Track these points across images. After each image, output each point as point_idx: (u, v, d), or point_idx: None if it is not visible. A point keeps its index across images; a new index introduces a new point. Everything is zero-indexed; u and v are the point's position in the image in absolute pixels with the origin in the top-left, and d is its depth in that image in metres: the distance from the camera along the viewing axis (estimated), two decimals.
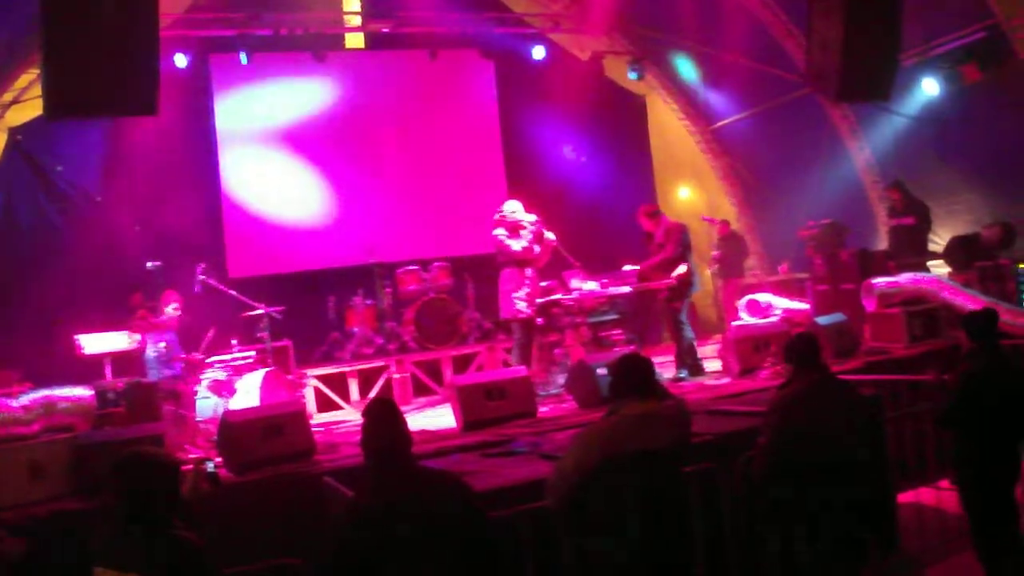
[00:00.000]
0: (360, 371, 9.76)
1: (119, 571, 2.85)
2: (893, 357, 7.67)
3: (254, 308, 8.56)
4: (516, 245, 8.30)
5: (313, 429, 6.40)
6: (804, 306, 9.91)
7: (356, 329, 10.30)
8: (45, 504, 5.22)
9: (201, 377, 7.61)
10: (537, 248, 8.41)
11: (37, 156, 10.23)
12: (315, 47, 11.32)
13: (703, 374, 8.39)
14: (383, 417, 3.28)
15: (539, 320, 8.41)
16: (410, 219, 11.88)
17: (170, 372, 8.00)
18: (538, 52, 12.16)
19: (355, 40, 12.40)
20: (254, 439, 5.75)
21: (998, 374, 4.69)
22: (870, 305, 8.56)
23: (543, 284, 8.55)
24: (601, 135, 13.21)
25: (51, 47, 5.13)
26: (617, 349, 8.10)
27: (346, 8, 12.16)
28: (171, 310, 8.58)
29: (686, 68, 12.63)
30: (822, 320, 8.25)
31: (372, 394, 9.48)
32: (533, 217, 8.46)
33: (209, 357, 7.84)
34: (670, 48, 12.44)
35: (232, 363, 7.80)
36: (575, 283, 8.38)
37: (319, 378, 9.49)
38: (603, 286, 8.40)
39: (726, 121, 12.84)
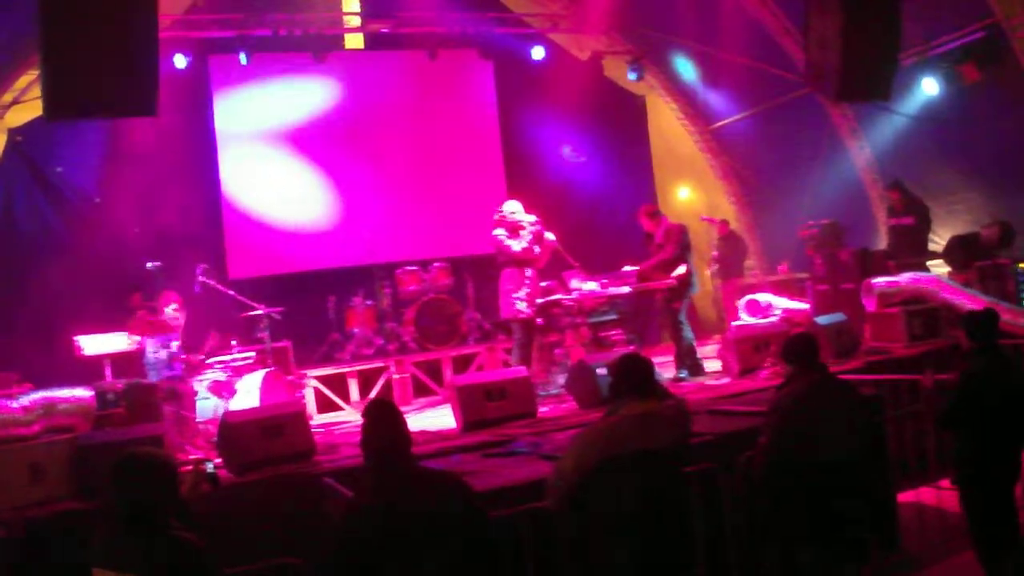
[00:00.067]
0: (360, 372, 9.77)
1: (118, 572, 2.85)
2: (893, 357, 7.66)
3: (254, 309, 8.57)
4: (516, 245, 8.30)
5: (313, 430, 6.40)
6: (804, 306, 9.90)
7: (356, 330, 10.30)
8: (45, 505, 5.21)
9: (201, 378, 7.61)
10: (537, 248, 8.41)
11: (37, 157, 10.25)
12: (314, 47, 11.30)
13: (703, 374, 8.39)
14: (383, 418, 3.28)
15: (539, 320, 8.41)
16: (410, 219, 11.88)
17: (170, 373, 7.99)
18: (537, 52, 12.17)
19: (354, 40, 12.40)
20: (254, 440, 5.75)
21: (998, 374, 4.69)
22: (870, 305, 8.55)
23: (543, 284, 8.55)
24: (600, 135, 13.21)
25: (50, 48, 5.13)
26: (617, 349, 8.10)
27: (345, 8, 12.16)
28: (171, 311, 8.57)
29: (685, 68, 12.62)
30: (822, 320, 8.24)
31: (372, 395, 9.49)
32: (533, 217, 8.46)
33: (209, 358, 7.84)
34: (669, 48, 12.43)
35: (232, 364, 7.79)
36: (575, 283, 8.38)
37: (319, 379, 9.49)
38: (603, 286, 8.40)
39: (726, 121, 12.83)
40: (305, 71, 11.56)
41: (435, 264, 10.77)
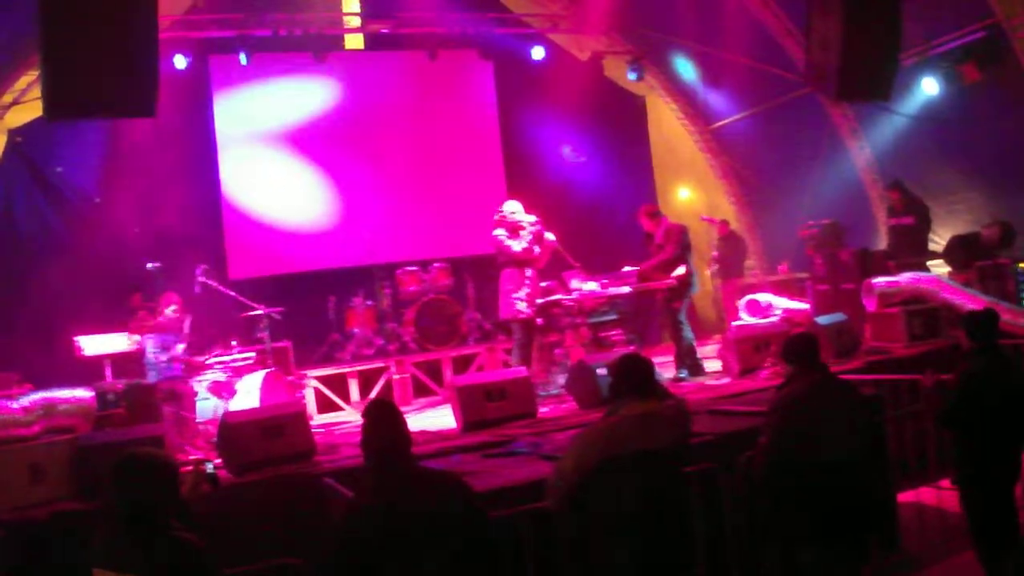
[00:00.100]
0: (360, 372, 9.77)
1: (119, 572, 2.85)
2: (893, 357, 7.66)
3: (254, 309, 8.57)
4: (516, 245, 8.30)
5: (313, 430, 6.40)
6: (804, 306, 9.89)
7: (356, 330, 10.31)
8: (45, 505, 5.21)
9: (201, 378, 7.61)
10: (537, 249, 8.41)
11: (37, 157, 10.26)
12: (314, 48, 11.30)
13: (703, 374, 8.39)
14: (383, 418, 3.27)
15: (539, 320, 8.41)
16: (410, 220, 11.88)
17: (170, 373, 8.00)
18: (537, 52, 12.17)
19: (354, 41, 12.40)
20: (254, 440, 5.75)
21: (998, 374, 4.69)
22: (870, 305, 8.55)
23: (543, 284, 8.55)
24: (600, 135, 13.22)
25: (50, 48, 5.13)
26: (617, 349, 8.10)
27: (345, 9, 12.16)
28: (170, 312, 8.58)
29: (685, 68, 12.62)
30: (822, 320, 8.24)
31: (372, 395, 9.49)
32: (533, 218, 8.46)
33: (209, 358, 7.84)
34: (669, 48, 12.43)
35: (232, 364, 7.79)
36: (575, 283, 8.38)
37: (319, 379, 9.49)
38: (603, 286, 8.41)
39: (726, 121, 12.83)
40: (305, 71, 11.56)
41: (435, 264, 10.77)
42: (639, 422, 3.57)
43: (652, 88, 13.31)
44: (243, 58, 10.57)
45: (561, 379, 8.02)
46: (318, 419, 8.92)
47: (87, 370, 7.90)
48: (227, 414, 6.33)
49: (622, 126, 13.56)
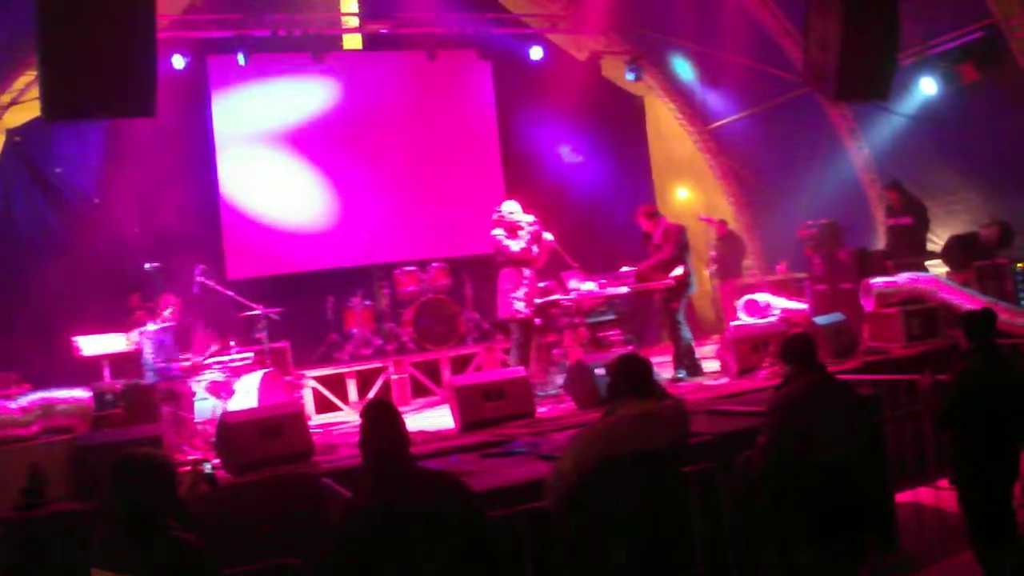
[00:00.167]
0: (358, 372, 9.76)
1: (117, 573, 2.84)
2: (891, 357, 7.67)
3: (252, 309, 8.56)
4: (514, 245, 8.30)
5: (311, 430, 6.41)
6: (802, 306, 9.90)
7: (354, 330, 10.30)
8: (44, 506, 5.20)
9: (199, 378, 7.61)
10: (535, 248, 8.41)
11: (36, 158, 10.25)
12: (313, 48, 11.29)
13: (701, 374, 8.40)
14: (381, 418, 3.27)
15: (537, 320, 8.42)
16: (408, 220, 11.87)
17: (168, 373, 8.00)
18: (536, 52, 12.17)
19: (353, 41, 12.39)
20: (252, 440, 5.75)
21: (996, 374, 4.69)
22: (868, 305, 8.56)
23: (541, 284, 8.56)
24: (599, 135, 13.22)
25: (48, 48, 5.13)
26: (615, 349, 8.11)
27: (344, 9, 12.15)
28: (168, 315, 8.57)
29: (684, 68, 12.62)
30: (820, 320, 8.25)
31: (370, 395, 9.48)
32: (531, 218, 8.47)
33: (207, 359, 7.84)
34: (668, 48, 12.43)
35: (230, 364, 7.79)
36: (573, 283, 8.39)
37: (317, 379, 9.49)
38: (601, 286, 8.41)
39: (724, 121, 12.83)
40: (304, 71, 11.55)
41: (433, 264, 10.77)
42: (637, 422, 3.58)
43: (650, 88, 13.32)
44: (241, 58, 10.56)
45: (559, 379, 8.02)
46: (316, 419, 8.92)
47: (85, 370, 7.89)
48: (225, 414, 6.34)
49: (620, 126, 13.56)
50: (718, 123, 12.96)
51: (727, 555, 4.71)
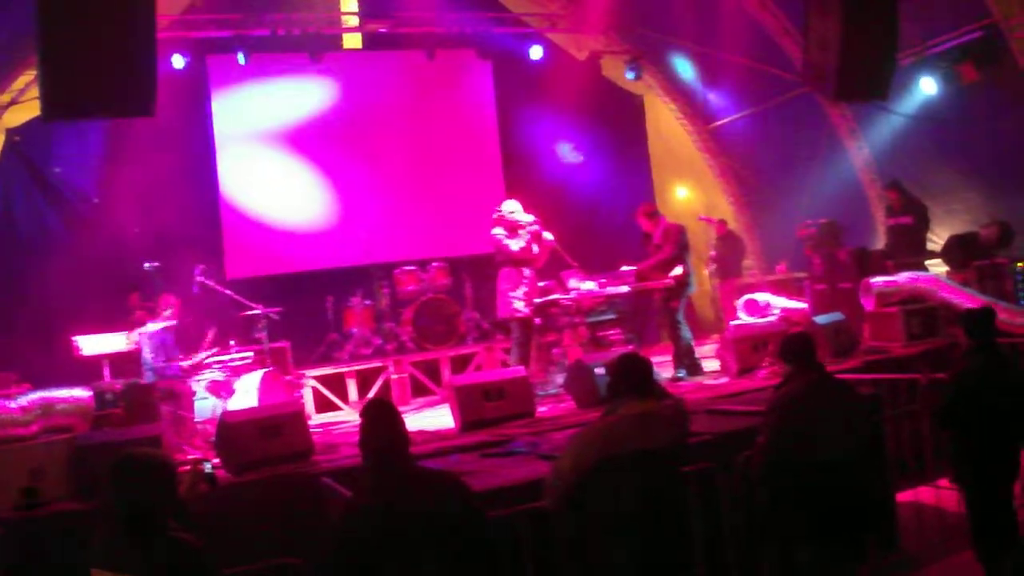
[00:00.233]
0: (358, 372, 9.77)
1: (117, 572, 2.84)
2: (891, 356, 7.67)
3: (252, 309, 8.56)
4: (514, 245, 8.30)
5: (311, 430, 6.41)
6: (802, 305, 9.90)
7: (354, 330, 10.30)
8: (44, 505, 5.20)
9: (199, 378, 7.61)
10: (535, 248, 8.41)
11: (35, 157, 10.25)
12: (312, 47, 11.29)
13: (701, 374, 8.40)
14: (381, 417, 3.27)
15: (537, 320, 8.41)
16: (408, 219, 11.87)
17: (168, 373, 8.00)
18: (536, 52, 12.17)
19: (352, 40, 12.39)
20: (252, 440, 5.75)
21: (996, 372, 4.70)
22: (868, 304, 8.55)
23: (541, 284, 8.56)
24: (599, 135, 13.22)
25: (48, 48, 5.12)
26: (615, 349, 8.11)
27: (343, 8, 12.15)
28: (168, 314, 8.57)
29: (684, 68, 12.62)
30: (820, 319, 8.25)
31: (370, 395, 9.48)
32: (531, 217, 8.46)
33: (207, 358, 7.84)
34: (668, 48, 12.43)
35: (230, 364, 7.79)
36: (573, 283, 8.39)
37: (317, 379, 9.49)
38: (601, 286, 8.41)
39: (724, 121, 12.83)
40: (303, 71, 11.55)
41: (433, 264, 10.77)
42: (637, 422, 3.58)
43: (650, 87, 13.31)
44: (241, 58, 10.56)
45: (559, 378, 8.02)
46: (316, 419, 8.92)
47: (85, 370, 7.89)
48: (225, 414, 6.34)
49: (620, 126, 13.55)
50: (718, 123, 12.95)
51: (727, 555, 4.70)
